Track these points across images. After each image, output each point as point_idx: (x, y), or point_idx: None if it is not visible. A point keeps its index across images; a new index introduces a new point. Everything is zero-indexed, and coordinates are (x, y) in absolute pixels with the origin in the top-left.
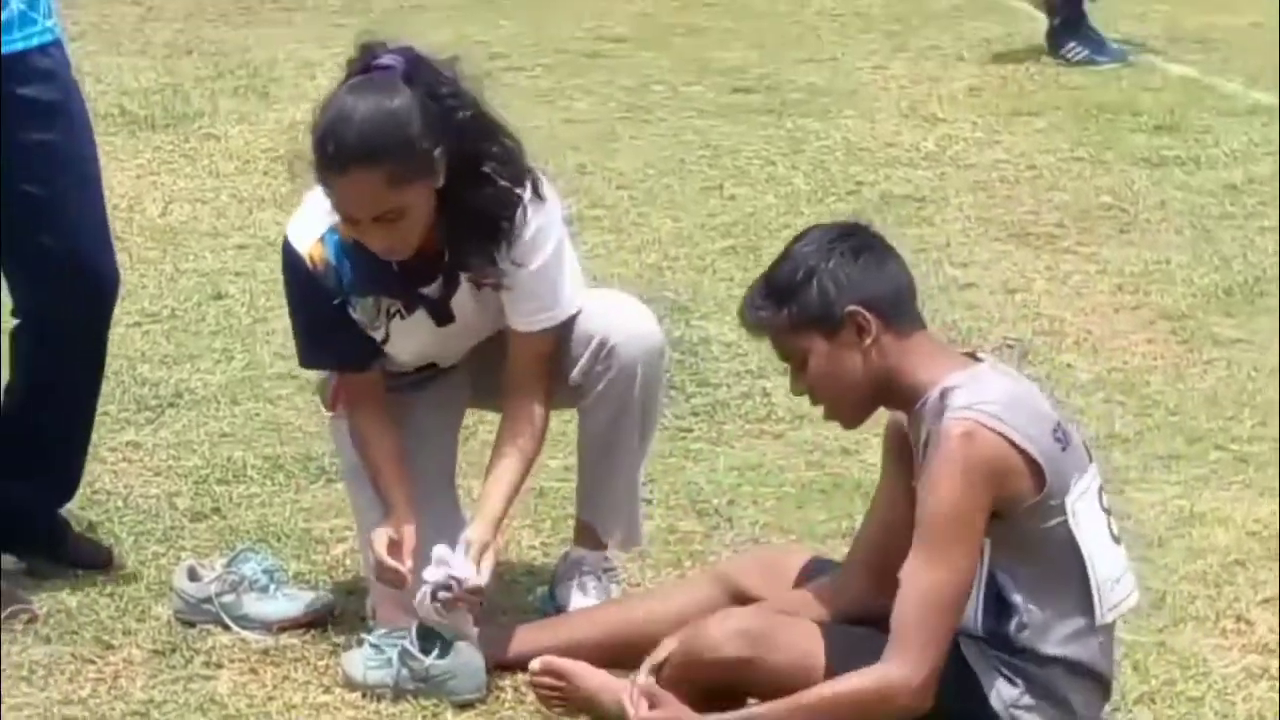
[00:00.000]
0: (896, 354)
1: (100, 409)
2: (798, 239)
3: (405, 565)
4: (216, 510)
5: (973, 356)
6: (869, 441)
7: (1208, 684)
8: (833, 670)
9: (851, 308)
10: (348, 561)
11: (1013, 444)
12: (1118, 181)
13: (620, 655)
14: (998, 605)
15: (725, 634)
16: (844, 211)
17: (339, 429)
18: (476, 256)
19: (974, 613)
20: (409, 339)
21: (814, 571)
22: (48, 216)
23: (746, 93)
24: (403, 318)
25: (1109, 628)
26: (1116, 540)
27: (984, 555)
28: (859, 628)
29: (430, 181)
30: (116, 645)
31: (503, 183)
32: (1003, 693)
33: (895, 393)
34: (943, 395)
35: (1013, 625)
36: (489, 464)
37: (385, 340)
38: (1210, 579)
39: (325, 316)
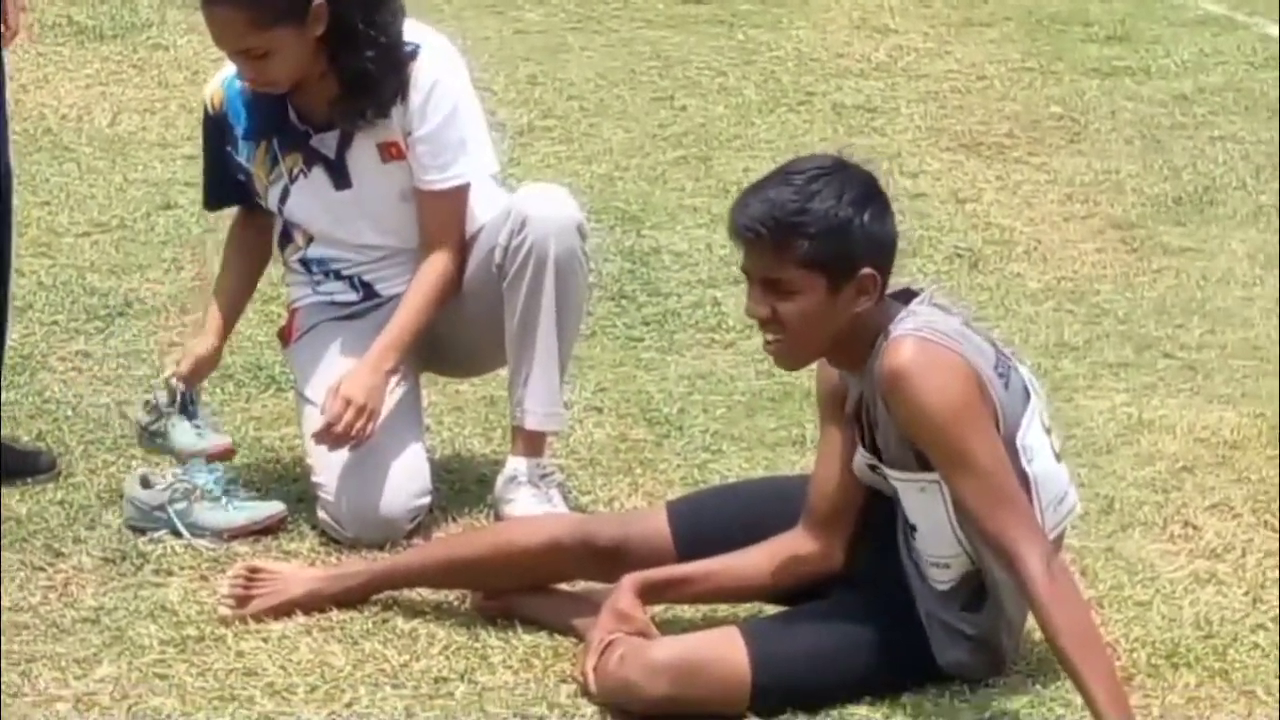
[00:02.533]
0: (866, 315)
1: (49, 318)
2: (822, 169)
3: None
4: None
5: (909, 292)
6: None
7: (1155, 588)
8: (759, 680)
9: (868, 270)
10: (297, 469)
11: (967, 362)
12: (1068, 91)
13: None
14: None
15: (648, 674)
16: (795, 123)
17: (293, 357)
18: (362, 112)
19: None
20: (308, 201)
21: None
22: None
23: (697, 3)
24: (305, 176)
25: (1055, 541)
26: (1058, 458)
27: (944, 495)
28: (773, 615)
29: (299, 28)
30: (66, 553)
31: (384, 39)
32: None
33: (845, 351)
34: (887, 333)
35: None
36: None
37: (284, 199)
38: (1158, 485)
39: (228, 161)
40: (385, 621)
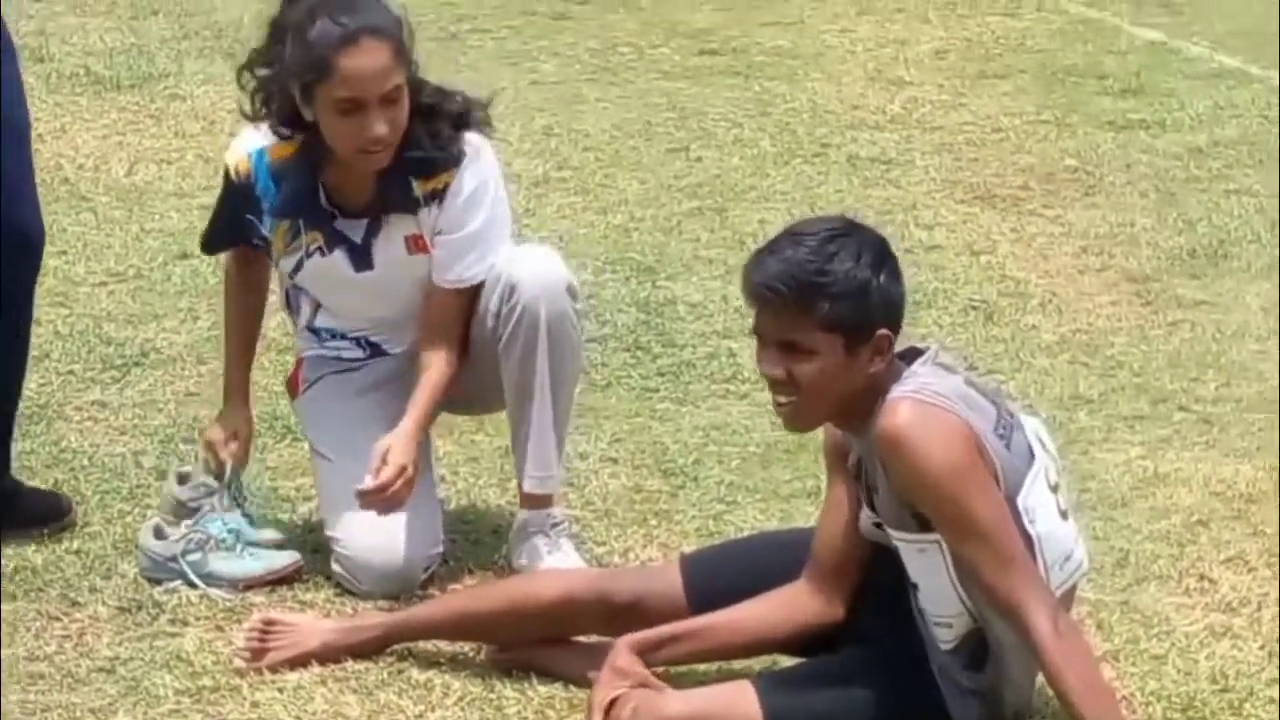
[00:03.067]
0: (872, 382)
1: (66, 368)
2: (835, 230)
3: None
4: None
5: (914, 350)
6: None
7: (1170, 642)
8: None
9: (884, 331)
10: (313, 519)
11: (965, 422)
12: (1083, 144)
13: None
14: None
15: None
16: (810, 174)
17: (302, 411)
18: (404, 194)
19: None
20: (322, 280)
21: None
22: None
23: (713, 55)
24: (322, 255)
25: (1063, 598)
26: (1064, 516)
27: (945, 555)
28: (787, 669)
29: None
30: (82, 602)
31: (443, 125)
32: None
33: (851, 409)
34: (886, 394)
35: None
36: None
37: (298, 269)
38: (1173, 538)
39: (239, 216)
40: (400, 672)
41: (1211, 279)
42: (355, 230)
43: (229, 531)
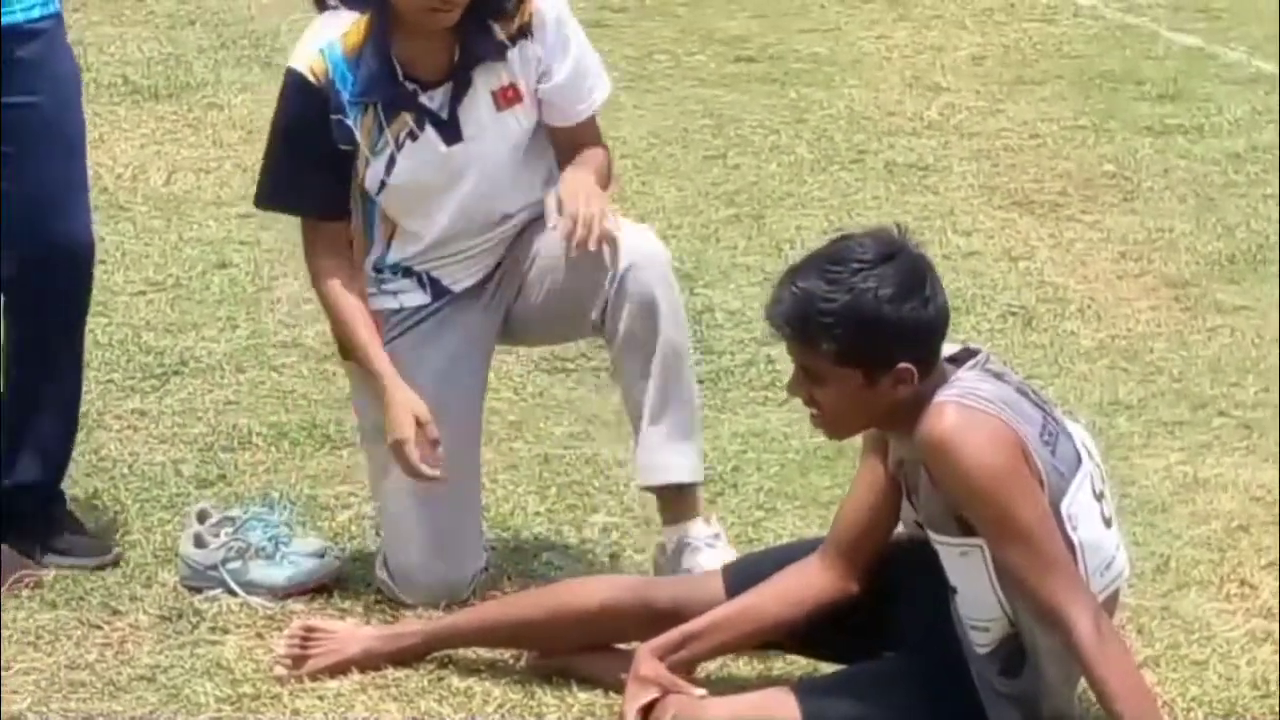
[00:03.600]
0: (913, 393)
1: (105, 376)
2: (867, 258)
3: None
4: (222, 477)
5: (968, 351)
6: None
7: (1211, 648)
8: None
9: (905, 364)
10: (353, 528)
11: (1009, 427)
12: (1121, 150)
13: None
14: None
15: None
16: (847, 181)
17: (356, 385)
18: (489, 41)
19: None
20: (416, 165)
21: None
22: (19, 178)
23: (749, 62)
24: (414, 139)
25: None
26: (1108, 524)
27: (986, 559)
28: (826, 676)
29: None
30: (123, 611)
31: None
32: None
33: (896, 422)
34: (930, 403)
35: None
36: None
37: (389, 169)
38: (1214, 544)
39: (308, 150)
40: (441, 680)
41: (1251, 284)
42: (438, 102)
43: (269, 539)
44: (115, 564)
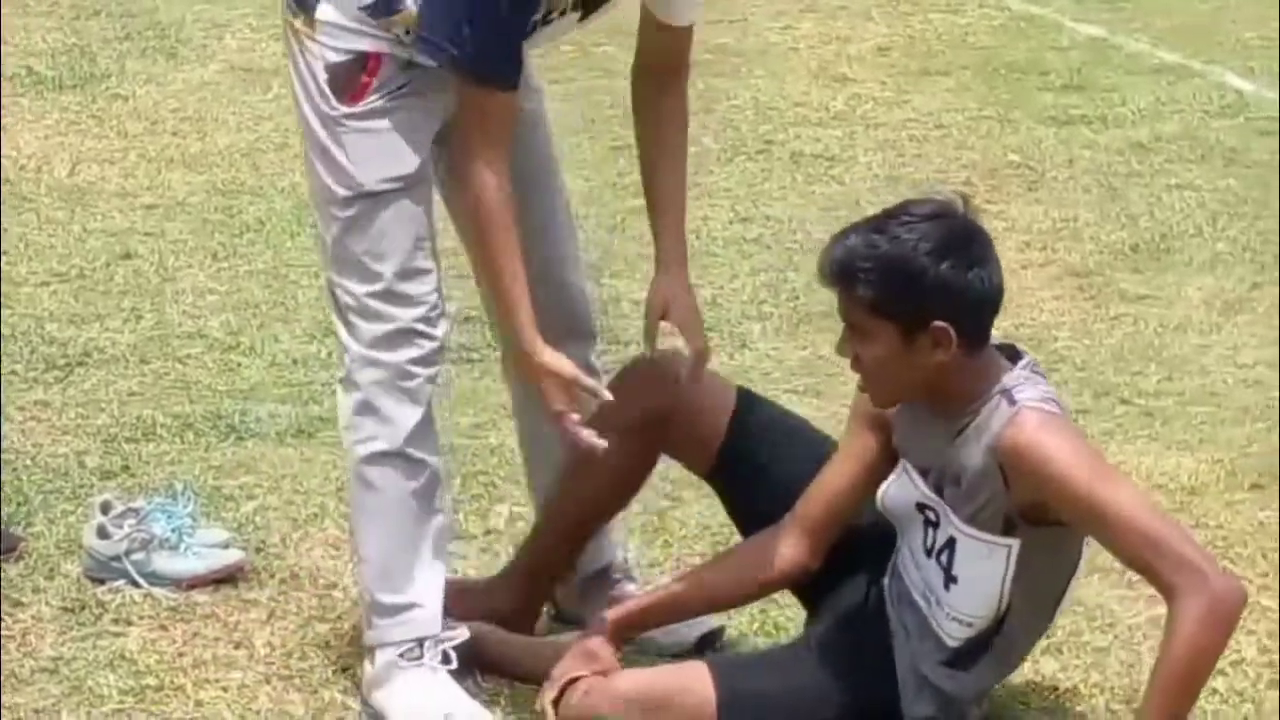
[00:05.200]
0: (958, 368)
1: (8, 368)
2: (916, 214)
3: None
4: (126, 468)
5: (1013, 350)
6: (779, 398)
7: (1114, 634)
8: (724, 712)
9: (940, 324)
10: (257, 519)
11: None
12: (1025, 140)
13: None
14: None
15: (613, 704)
16: (754, 171)
17: (355, 128)
18: None
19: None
20: (551, 34)
21: None
22: None
23: None
24: (562, 16)
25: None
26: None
27: (1010, 559)
28: (743, 654)
29: None
30: (26, 603)
31: None
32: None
33: (940, 398)
34: (1006, 395)
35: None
36: (651, 186)
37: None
38: None
39: (521, 15)
40: (345, 670)
41: (1154, 273)
42: None
43: (173, 530)
44: (18, 556)
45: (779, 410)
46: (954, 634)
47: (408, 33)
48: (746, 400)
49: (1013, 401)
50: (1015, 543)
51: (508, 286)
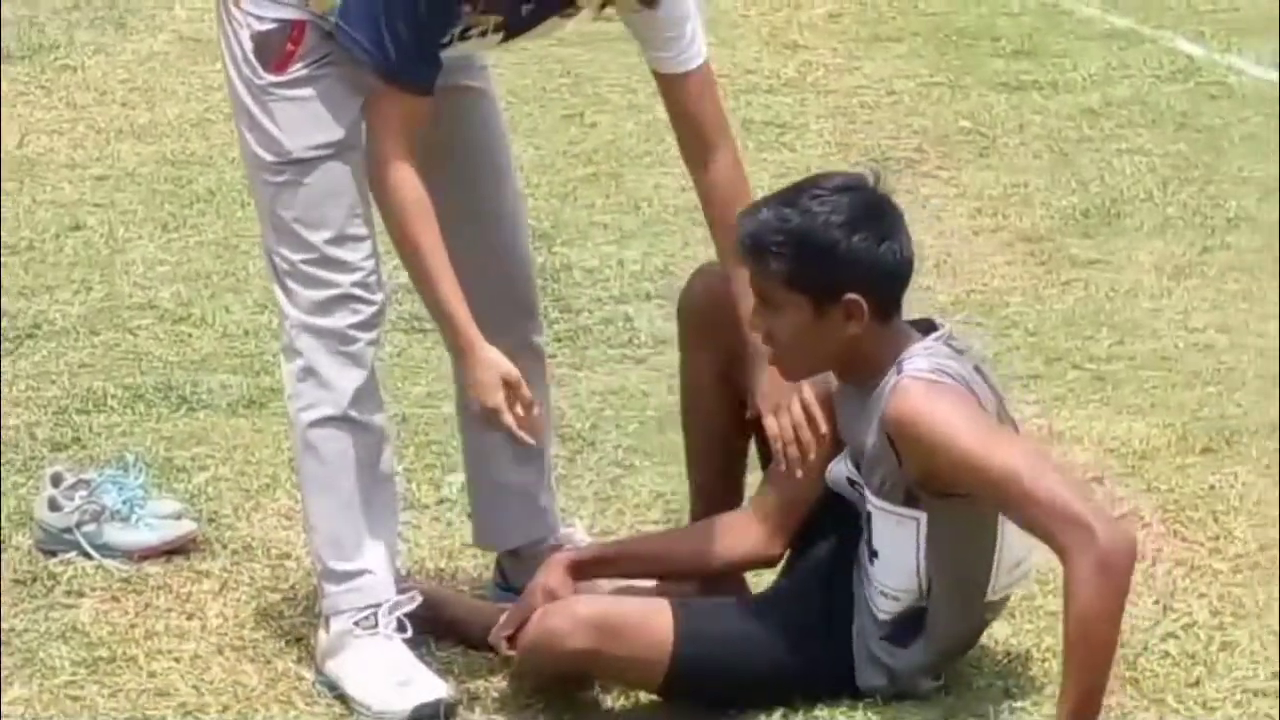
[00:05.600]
0: (870, 340)
1: None
2: (827, 188)
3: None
4: (77, 440)
5: (930, 323)
6: None
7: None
8: (681, 650)
9: (852, 296)
10: (209, 489)
11: (978, 402)
12: (976, 106)
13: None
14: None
15: (573, 625)
16: None
17: (279, 95)
18: None
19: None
20: (468, 49)
21: None
22: None
23: (607, 21)
24: (483, 35)
25: (995, 604)
26: None
27: (920, 532)
28: (712, 600)
29: None
30: None
31: None
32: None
33: (852, 371)
34: (898, 366)
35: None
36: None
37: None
38: None
39: (434, 24)
40: (298, 640)
41: (1105, 238)
42: (529, 9)
43: (124, 502)
44: None
45: None
46: (884, 608)
47: (324, 17)
48: None
49: (900, 372)
50: (922, 515)
51: (436, 281)
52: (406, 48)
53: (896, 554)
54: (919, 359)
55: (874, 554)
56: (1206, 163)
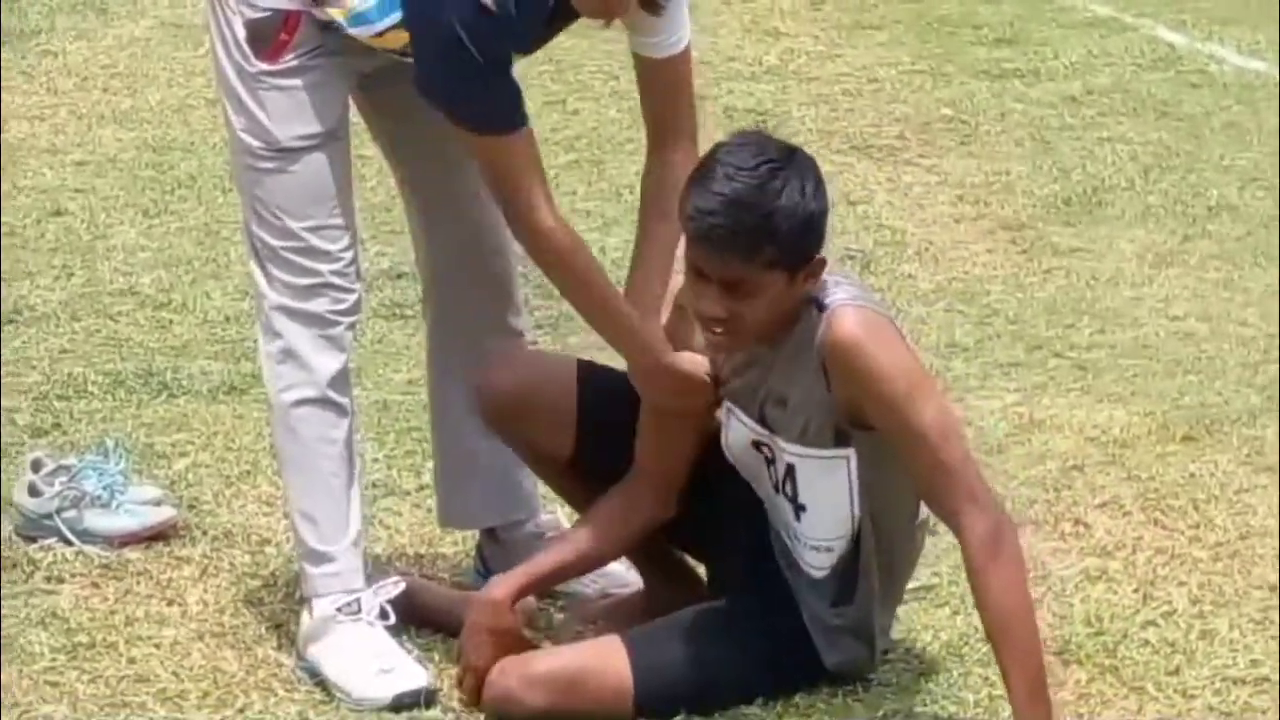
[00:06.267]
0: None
1: None
2: (762, 158)
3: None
4: (57, 425)
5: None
6: None
7: (1046, 586)
8: (641, 689)
9: (820, 255)
10: (189, 476)
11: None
12: (958, 94)
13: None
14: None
15: (528, 685)
16: None
17: (269, 84)
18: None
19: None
20: None
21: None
22: None
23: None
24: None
25: (925, 522)
26: None
27: (851, 469)
28: (659, 624)
29: None
30: None
31: None
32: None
33: (778, 326)
34: (814, 303)
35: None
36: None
37: None
38: (1049, 484)
39: (488, 73)
40: (278, 627)
41: (1086, 226)
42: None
43: (104, 488)
44: None
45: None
46: (817, 564)
47: (331, 23)
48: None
49: (821, 308)
50: (850, 452)
51: (614, 313)
52: (477, 100)
53: (828, 499)
54: (838, 291)
55: (800, 509)
56: (1188, 151)
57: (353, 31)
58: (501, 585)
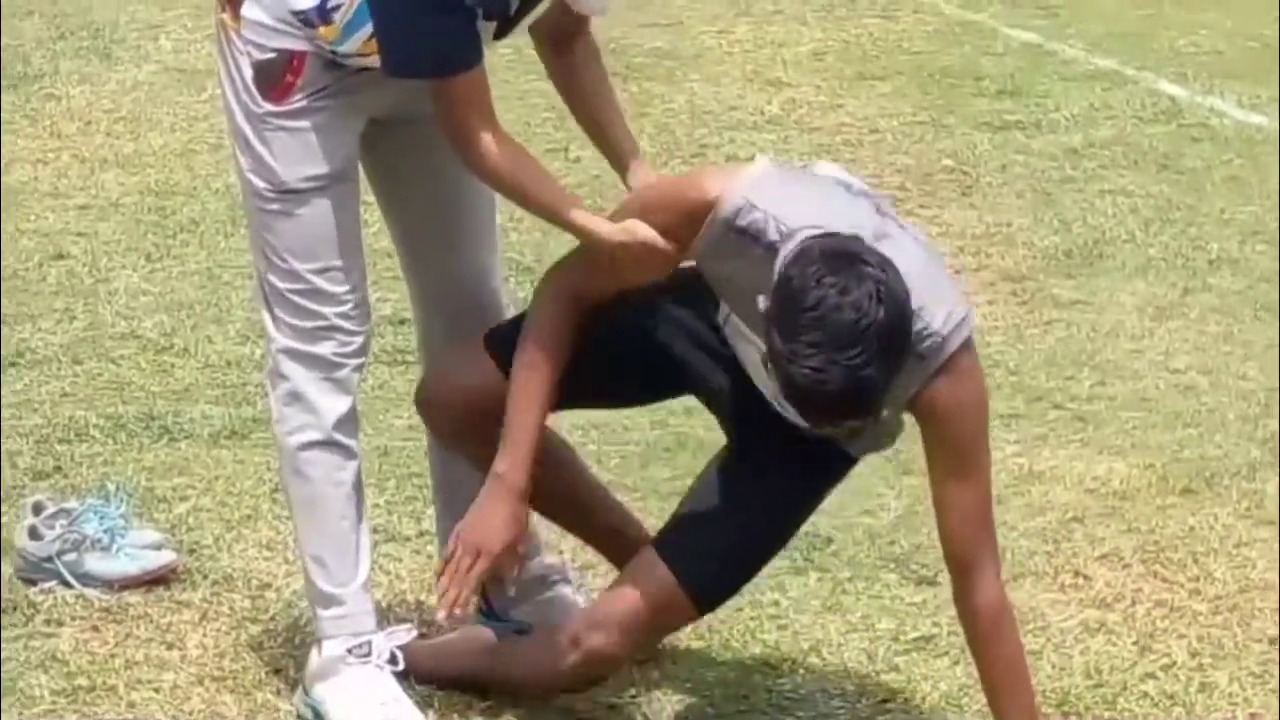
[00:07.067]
0: None
1: None
2: (862, 311)
3: None
4: (58, 469)
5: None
6: None
7: (1046, 638)
8: (691, 587)
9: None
10: (190, 520)
11: None
12: (960, 145)
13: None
14: None
15: (603, 631)
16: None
17: (277, 126)
18: None
19: None
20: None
21: None
22: None
23: None
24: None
25: None
26: None
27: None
28: (682, 515)
29: None
30: None
31: None
32: None
33: None
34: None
35: None
36: (590, 115)
37: None
38: (1049, 535)
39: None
40: (278, 671)
41: (1086, 278)
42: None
43: (105, 531)
44: None
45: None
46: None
47: (328, 44)
48: (497, 345)
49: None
50: None
51: (556, 206)
52: (444, 42)
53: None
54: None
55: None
56: (1189, 204)
57: (346, 47)
58: (515, 470)
